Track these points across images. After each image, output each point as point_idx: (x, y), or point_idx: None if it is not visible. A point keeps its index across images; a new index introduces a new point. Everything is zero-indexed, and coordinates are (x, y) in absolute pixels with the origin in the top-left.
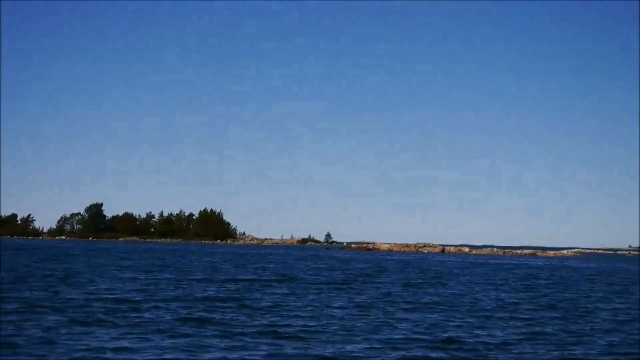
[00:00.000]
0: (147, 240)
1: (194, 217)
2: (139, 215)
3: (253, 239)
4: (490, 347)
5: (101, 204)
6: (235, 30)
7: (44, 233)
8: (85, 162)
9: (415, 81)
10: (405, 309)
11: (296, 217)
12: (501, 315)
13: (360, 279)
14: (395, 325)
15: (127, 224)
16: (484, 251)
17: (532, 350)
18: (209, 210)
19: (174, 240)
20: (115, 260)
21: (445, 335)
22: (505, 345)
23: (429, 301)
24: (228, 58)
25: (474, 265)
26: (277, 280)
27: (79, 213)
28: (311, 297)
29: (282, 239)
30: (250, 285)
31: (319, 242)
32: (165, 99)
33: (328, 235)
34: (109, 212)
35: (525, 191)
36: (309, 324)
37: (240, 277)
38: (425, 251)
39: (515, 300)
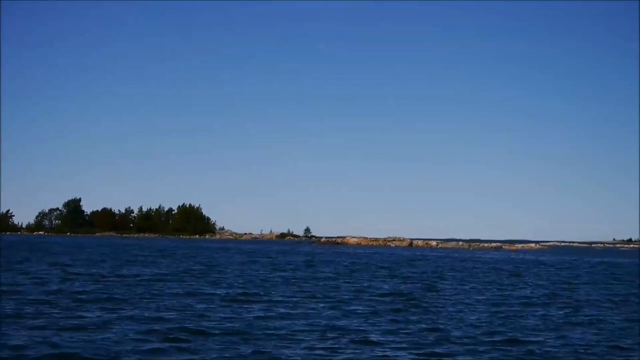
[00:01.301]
0: (125, 235)
1: (173, 212)
2: (119, 210)
3: (232, 233)
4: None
5: (79, 200)
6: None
7: (22, 228)
8: (67, 157)
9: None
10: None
11: (279, 212)
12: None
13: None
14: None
15: (106, 219)
16: (450, 244)
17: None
18: (187, 206)
19: (152, 235)
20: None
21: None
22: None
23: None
24: (209, 56)
25: (406, 259)
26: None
27: (58, 208)
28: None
29: (262, 234)
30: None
31: (298, 236)
32: (145, 94)
33: (307, 230)
34: (90, 207)
35: (505, 185)
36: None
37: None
38: (393, 245)
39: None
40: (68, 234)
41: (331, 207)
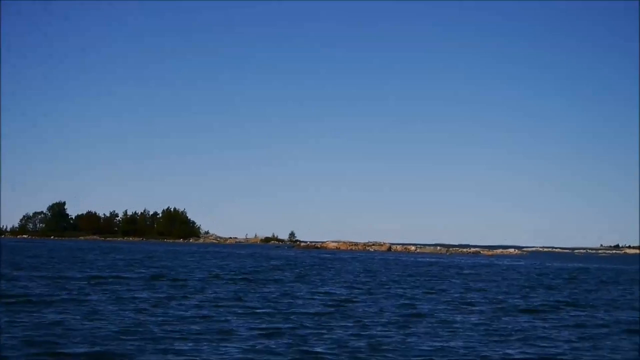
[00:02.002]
0: (108, 238)
1: (158, 217)
2: (104, 214)
3: (216, 237)
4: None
5: (64, 203)
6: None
7: (7, 232)
8: (56, 160)
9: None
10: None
11: (267, 216)
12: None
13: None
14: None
15: (90, 222)
16: (428, 249)
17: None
18: (172, 210)
19: (135, 239)
20: None
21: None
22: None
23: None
24: (193, 61)
25: (367, 261)
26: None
27: (42, 212)
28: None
29: (246, 238)
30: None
31: (282, 240)
32: (129, 97)
33: (292, 234)
34: (75, 211)
35: (499, 188)
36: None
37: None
38: (372, 249)
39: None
40: (52, 237)
41: (317, 212)
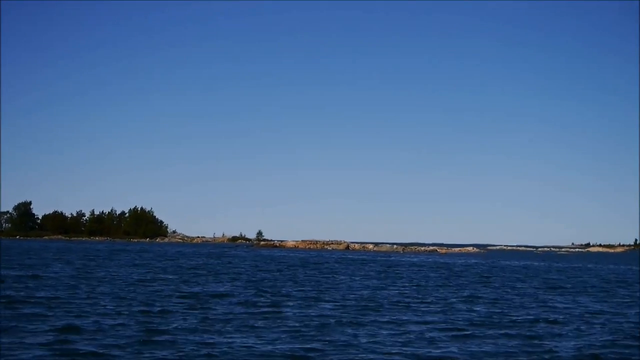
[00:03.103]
0: (73, 238)
1: (126, 216)
2: (71, 214)
3: (184, 237)
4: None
5: (30, 202)
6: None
7: None
8: (22, 160)
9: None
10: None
11: (237, 216)
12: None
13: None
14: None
15: (56, 222)
16: (384, 248)
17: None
18: (139, 209)
19: (100, 239)
20: None
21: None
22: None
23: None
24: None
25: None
26: None
27: (8, 212)
28: None
29: (214, 237)
30: None
31: (249, 240)
32: (99, 96)
33: (260, 233)
34: (42, 210)
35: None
36: None
37: None
38: (330, 248)
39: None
40: (18, 237)
41: (285, 212)
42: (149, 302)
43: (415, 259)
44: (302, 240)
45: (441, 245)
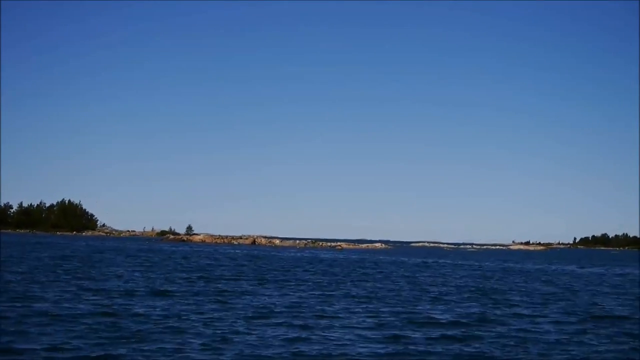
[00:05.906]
0: None
1: (54, 209)
2: None
3: (112, 230)
4: None
5: None
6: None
7: None
8: None
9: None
10: None
11: (169, 209)
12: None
13: None
14: None
15: None
16: (287, 243)
17: None
18: (67, 202)
19: (25, 232)
20: None
21: None
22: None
23: None
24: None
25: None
26: None
27: None
28: None
29: (144, 231)
30: None
31: (179, 234)
32: (29, 89)
33: (189, 228)
34: None
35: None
36: None
37: None
38: (237, 243)
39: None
40: None
41: (212, 206)
42: None
43: (298, 254)
44: (209, 235)
45: (358, 241)
